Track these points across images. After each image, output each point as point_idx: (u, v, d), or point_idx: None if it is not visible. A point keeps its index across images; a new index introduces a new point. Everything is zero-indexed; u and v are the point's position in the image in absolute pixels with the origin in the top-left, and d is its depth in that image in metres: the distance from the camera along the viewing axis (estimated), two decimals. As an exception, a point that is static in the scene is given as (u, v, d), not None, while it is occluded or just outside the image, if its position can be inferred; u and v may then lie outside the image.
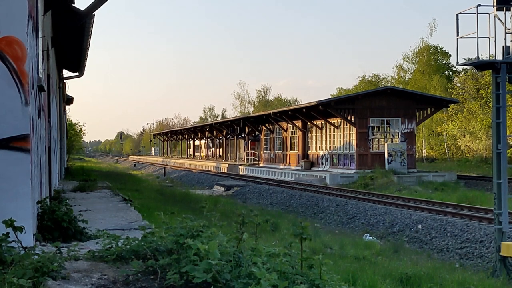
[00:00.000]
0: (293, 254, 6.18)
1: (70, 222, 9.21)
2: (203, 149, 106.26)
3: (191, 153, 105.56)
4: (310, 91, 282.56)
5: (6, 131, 6.96)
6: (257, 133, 68.56)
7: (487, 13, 16.91)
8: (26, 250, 6.43)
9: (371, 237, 22.24)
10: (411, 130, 45.48)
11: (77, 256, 6.85)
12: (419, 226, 22.55)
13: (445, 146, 73.69)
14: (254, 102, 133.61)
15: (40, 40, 10.07)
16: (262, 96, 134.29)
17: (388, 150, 42.59)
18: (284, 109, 57.49)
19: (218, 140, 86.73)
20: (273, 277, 5.10)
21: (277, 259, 5.96)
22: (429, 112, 47.13)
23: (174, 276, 5.67)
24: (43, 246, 7.88)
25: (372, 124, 44.69)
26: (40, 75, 10.09)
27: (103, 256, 6.80)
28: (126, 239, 7.00)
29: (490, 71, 17.23)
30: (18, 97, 7.00)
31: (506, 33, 16.62)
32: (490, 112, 62.56)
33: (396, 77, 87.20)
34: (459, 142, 67.78)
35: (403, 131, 45.07)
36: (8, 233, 6.48)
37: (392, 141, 44.60)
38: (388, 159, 42.40)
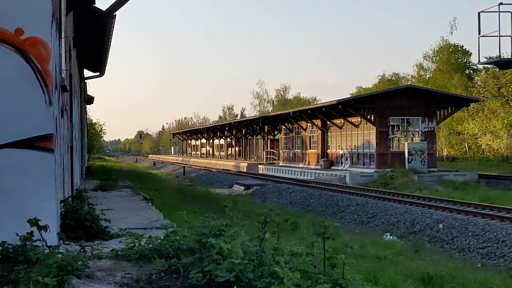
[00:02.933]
0: (315, 254, 6.19)
1: (93, 221, 9.29)
2: (204, 148, 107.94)
3: (211, 152, 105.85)
4: (329, 90, 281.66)
5: (30, 131, 7.02)
6: (276, 132, 68.52)
7: (509, 12, 16.83)
8: (50, 249, 6.49)
9: (391, 237, 22.16)
10: (432, 129, 45.24)
11: (101, 255, 6.90)
12: (440, 226, 22.43)
13: (466, 145, 73.19)
14: (273, 101, 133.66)
15: (63, 40, 10.15)
16: (281, 95, 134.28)
17: (408, 149, 42.40)
18: (304, 108, 57.39)
19: (237, 139, 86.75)
20: (296, 276, 5.11)
21: (300, 259, 5.97)
22: (449, 111, 46.84)
23: (197, 275, 5.70)
24: (67, 245, 7.95)
25: (392, 123, 44.49)
26: (63, 75, 10.17)
27: (126, 255, 6.85)
28: (149, 238, 7.05)
29: (512, 69, 17.13)
30: (42, 97, 7.06)
31: (528, 31, 16.53)
32: (511, 110, 62.25)
33: (416, 75, 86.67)
34: (480, 141, 67.31)
35: (423, 130, 44.83)
36: (32, 232, 6.55)
37: (412, 140, 44.37)
38: (408, 158, 42.21)
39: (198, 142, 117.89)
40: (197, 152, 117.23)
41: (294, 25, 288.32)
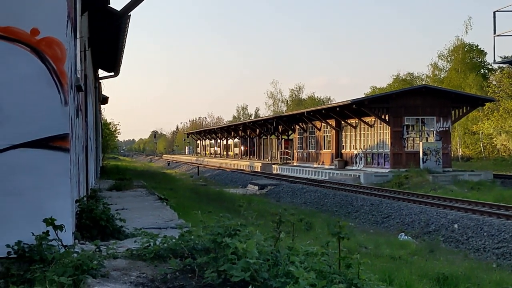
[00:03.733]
0: (330, 253, 6.17)
1: (108, 220, 9.31)
2: (213, 148, 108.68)
3: (219, 152, 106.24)
4: (343, 90, 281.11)
5: (46, 131, 7.05)
6: (290, 132, 68.48)
7: (525, 11, 16.73)
8: (66, 248, 6.52)
9: (406, 237, 22.10)
10: (447, 128, 45.07)
11: (116, 254, 6.92)
12: (455, 226, 22.34)
13: (481, 145, 72.90)
14: (287, 101, 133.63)
15: (78, 40, 10.19)
16: (295, 95, 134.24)
17: (423, 149, 42.24)
18: (318, 108, 57.33)
19: (251, 139, 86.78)
20: (311, 276, 5.10)
21: (315, 258, 5.96)
22: (464, 110, 46.64)
23: (212, 275, 5.70)
24: (82, 244, 7.98)
25: (406, 123, 44.38)
26: (78, 75, 10.21)
27: (141, 255, 6.87)
28: (164, 238, 7.06)
29: (528, 69, 17.05)
30: (57, 97, 7.08)
31: (544, 30, 16.41)
32: (527, 110, 61.89)
33: (431, 75, 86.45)
34: (495, 141, 67.02)
35: (438, 130, 44.68)
36: (48, 231, 6.58)
37: (427, 140, 44.23)
38: (423, 158, 42.06)
39: (206, 142, 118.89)
40: (206, 152, 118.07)
41: (308, 25, 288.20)
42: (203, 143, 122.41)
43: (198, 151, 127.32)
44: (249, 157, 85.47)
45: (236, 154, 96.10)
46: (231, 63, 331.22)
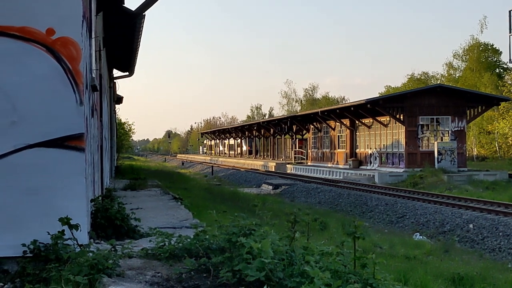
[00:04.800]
0: (346, 253, 6.15)
1: (123, 220, 9.33)
2: (218, 148, 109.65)
3: (239, 151, 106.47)
4: (357, 90, 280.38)
5: (61, 130, 7.07)
6: (304, 131, 68.39)
7: (541, 9, 16.60)
8: (81, 247, 6.54)
9: (421, 237, 22.03)
10: (462, 128, 44.86)
11: (131, 253, 6.94)
12: (471, 226, 22.24)
13: (496, 145, 72.50)
14: (301, 100, 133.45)
15: (93, 40, 10.21)
16: (310, 95, 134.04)
17: (438, 148, 42.07)
18: (332, 107, 57.22)
19: (265, 139, 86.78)
20: (326, 276, 5.08)
21: (330, 258, 5.95)
22: (479, 110, 46.39)
23: (227, 274, 5.70)
24: (97, 243, 8.01)
25: (421, 123, 44.20)
26: (93, 75, 10.23)
27: (156, 254, 6.88)
28: (179, 237, 7.07)
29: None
30: (73, 97, 7.11)
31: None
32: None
33: (446, 74, 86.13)
34: (511, 140, 66.62)
35: (453, 130, 44.47)
36: (63, 230, 6.60)
37: (442, 140, 44.04)
38: (438, 158, 41.90)
39: (213, 142, 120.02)
40: (212, 152, 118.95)
41: (323, 25, 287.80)
42: (212, 143, 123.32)
43: (205, 151, 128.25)
44: (263, 156, 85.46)
45: (239, 154, 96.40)
46: (245, 63, 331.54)
